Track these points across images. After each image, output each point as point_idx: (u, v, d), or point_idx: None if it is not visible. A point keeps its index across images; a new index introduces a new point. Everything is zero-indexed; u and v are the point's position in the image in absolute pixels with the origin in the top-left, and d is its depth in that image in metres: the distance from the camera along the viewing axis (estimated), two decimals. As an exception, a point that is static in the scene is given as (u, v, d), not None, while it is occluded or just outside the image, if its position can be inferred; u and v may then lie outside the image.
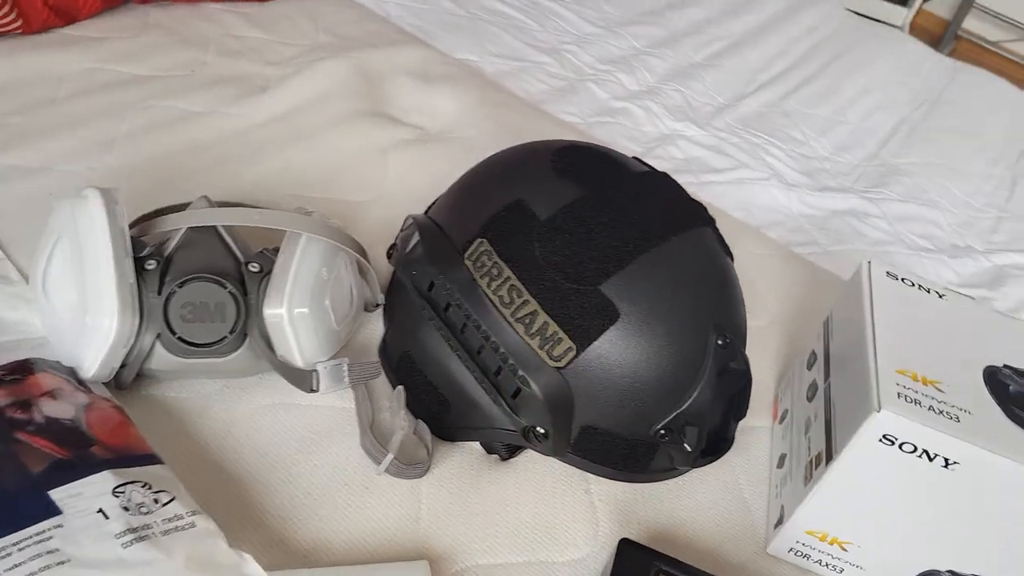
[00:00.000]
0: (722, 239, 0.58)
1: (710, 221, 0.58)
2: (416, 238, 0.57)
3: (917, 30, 1.55)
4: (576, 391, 0.51)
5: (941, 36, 1.65)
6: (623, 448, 0.53)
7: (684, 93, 1.04)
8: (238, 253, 0.55)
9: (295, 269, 0.53)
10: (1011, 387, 0.50)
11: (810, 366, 0.60)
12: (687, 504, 0.57)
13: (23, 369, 0.49)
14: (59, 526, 0.41)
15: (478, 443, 0.56)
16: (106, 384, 0.51)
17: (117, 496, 0.43)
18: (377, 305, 0.62)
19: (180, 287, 0.51)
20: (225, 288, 0.52)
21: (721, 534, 0.55)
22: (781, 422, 0.62)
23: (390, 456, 0.51)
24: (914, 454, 0.46)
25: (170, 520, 0.43)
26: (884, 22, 1.40)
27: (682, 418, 0.52)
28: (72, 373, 0.50)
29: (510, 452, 0.55)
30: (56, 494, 0.42)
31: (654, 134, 0.96)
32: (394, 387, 0.56)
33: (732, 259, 0.58)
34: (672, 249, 0.53)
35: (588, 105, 0.97)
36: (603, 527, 0.53)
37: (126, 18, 0.86)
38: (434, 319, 0.54)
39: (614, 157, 0.58)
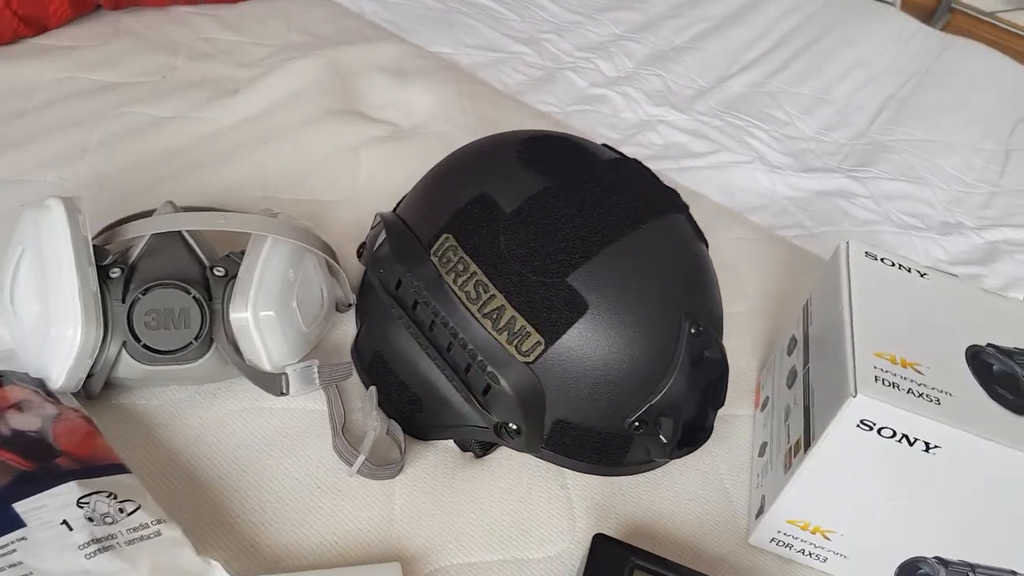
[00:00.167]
0: (696, 225, 0.57)
1: (683, 208, 0.57)
2: (383, 236, 0.56)
3: (909, 5, 1.53)
4: (547, 385, 0.50)
5: (934, 9, 1.63)
6: (597, 441, 0.52)
7: (664, 78, 1.03)
8: (203, 258, 0.54)
9: (260, 272, 0.52)
10: (995, 366, 0.49)
11: (790, 351, 0.59)
12: (667, 496, 0.56)
13: (-10, 382, 0.49)
14: (23, 539, 0.41)
15: (452, 441, 0.55)
16: (75, 394, 0.51)
17: (82, 507, 0.42)
18: (349, 305, 0.61)
19: (144, 294, 0.50)
20: (189, 294, 0.51)
21: (701, 526, 0.55)
22: (763, 410, 0.61)
23: (361, 458, 0.50)
24: (893, 439, 0.46)
25: (135, 529, 0.43)
26: (874, -2, 1.38)
27: (656, 409, 0.51)
28: (41, 384, 0.50)
29: (484, 449, 0.54)
30: (20, 507, 0.42)
31: (633, 120, 0.95)
32: (367, 387, 0.55)
33: (707, 246, 0.57)
34: (641, 237, 0.52)
35: (566, 94, 0.96)
36: (580, 522, 0.53)
37: (97, 25, 0.86)
38: (403, 318, 0.53)
39: (582, 145, 0.57)
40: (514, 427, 0.51)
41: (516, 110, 0.89)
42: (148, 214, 0.58)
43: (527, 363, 0.49)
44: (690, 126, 0.95)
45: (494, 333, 0.50)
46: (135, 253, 0.53)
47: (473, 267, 0.50)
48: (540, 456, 0.54)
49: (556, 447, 0.53)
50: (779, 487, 0.51)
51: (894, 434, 0.45)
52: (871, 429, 0.45)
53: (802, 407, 0.52)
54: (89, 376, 0.51)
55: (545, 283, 0.49)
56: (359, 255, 0.63)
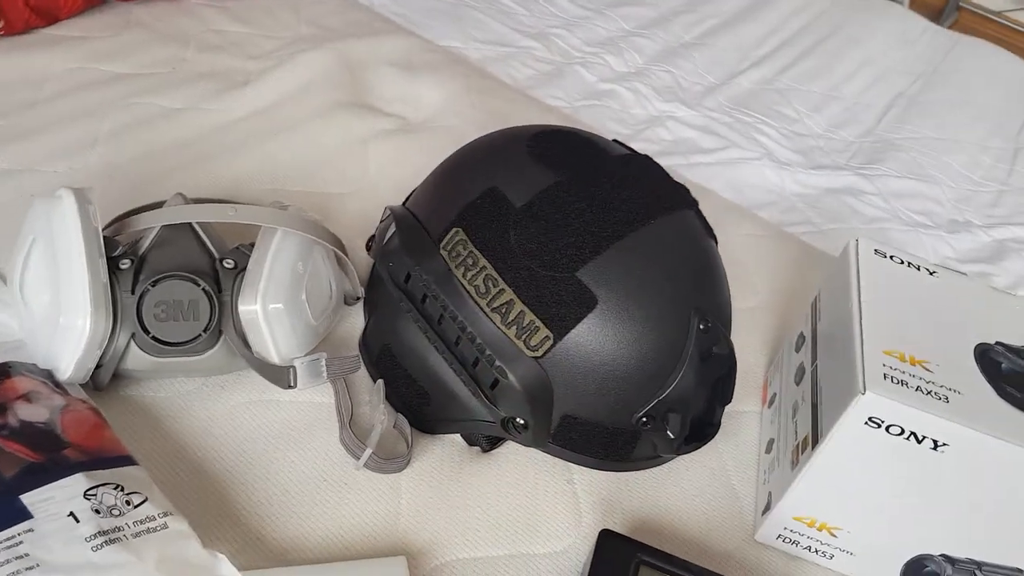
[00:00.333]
0: (705, 222, 0.57)
1: (693, 203, 0.56)
2: (393, 229, 0.56)
3: (917, 3, 1.52)
4: (555, 380, 0.50)
5: (942, 8, 1.62)
6: (604, 437, 0.52)
7: (674, 74, 1.03)
8: (213, 250, 0.54)
9: (269, 264, 0.52)
10: (1004, 365, 0.49)
11: (798, 348, 0.59)
12: (673, 492, 0.56)
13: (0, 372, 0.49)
14: (30, 531, 0.41)
15: (459, 435, 0.55)
16: (83, 386, 0.51)
17: (89, 499, 0.42)
18: (358, 298, 0.61)
19: (153, 286, 0.51)
20: (198, 286, 0.51)
21: (708, 522, 0.55)
22: (770, 406, 0.61)
23: (368, 451, 0.50)
24: (902, 436, 0.45)
25: (142, 522, 0.43)
26: (883, -5, 1.38)
27: (664, 405, 0.51)
28: (49, 375, 0.50)
29: (491, 444, 0.54)
30: (28, 498, 0.42)
31: (642, 116, 0.95)
32: (374, 381, 0.55)
33: (716, 242, 0.57)
34: (651, 233, 0.52)
35: (575, 89, 0.96)
36: (586, 518, 0.53)
37: (108, 16, 0.86)
38: (411, 311, 0.53)
39: (592, 141, 0.57)
40: (521, 422, 0.51)
41: (525, 105, 0.88)
42: (158, 205, 0.58)
43: (535, 358, 0.49)
44: (699, 122, 0.95)
45: (503, 327, 0.50)
46: (145, 244, 0.53)
47: (483, 261, 0.50)
48: (547, 451, 0.54)
49: (563, 442, 0.53)
50: (786, 484, 0.51)
51: (902, 432, 0.45)
52: (879, 426, 0.45)
53: (810, 404, 0.52)
54: (97, 367, 0.51)
55: (554, 278, 0.49)
56: (368, 248, 0.63)
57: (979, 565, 0.50)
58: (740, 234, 0.79)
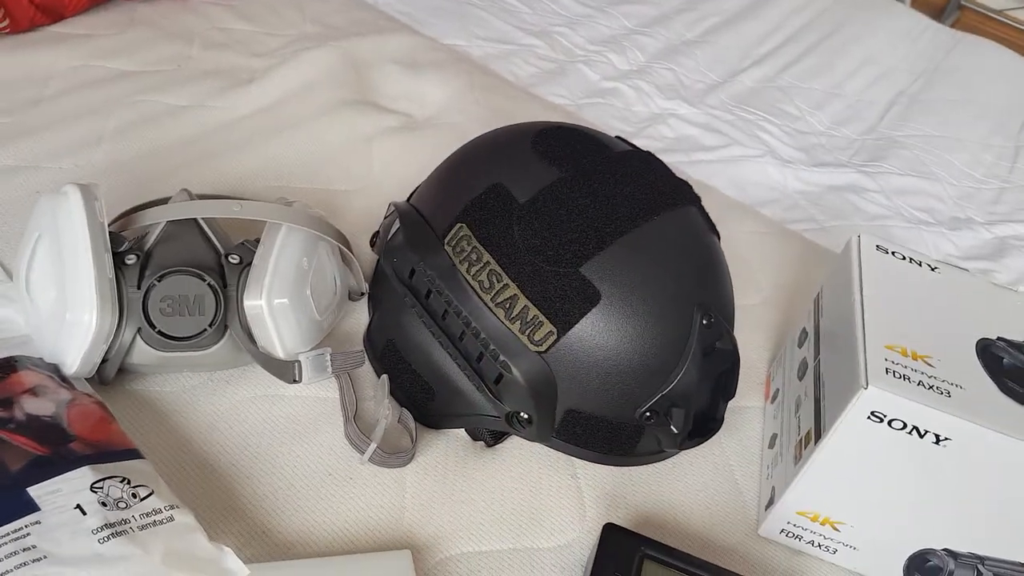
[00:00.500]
0: (708, 218, 0.57)
1: (695, 200, 0.57)
2: (397, 225, 0.57)
3: (919, 2, 1.52)
4: (559, 375, 0.50)
5: (944, 7, 1.62)
6: (608, 431, 0.53)
7: (676, 71, 1.03)
8: (218, 245, 0.54)
9: (275, 259, 0.53)
10: (1005, 360, 0.49)
11: (801, 344, 0.59)
12: (677, 487, 0.56)
13: (6, 367, 0.49)
14: (37, 523, 0.41)
15: (463, 430, 0.55)
16: (89, 380, 0.51)
17: (95, 492, 0.43)
18: (362, 294, 0.62)
19: (159, 281, 0.51)
20: (204, 281, 0.51)
21: (711, 517, 0.55)
22: (773, 402, 0.61)
23: (373, 445, 0.50)
24: (904, 431, 0.46)
25: (148, 515, 0.43)
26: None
27: (667, 399, 0.51)
28: (55, 370, 0.50)
29: (496, 438, 0.55)
30: (34, 491, 0.42)
31: (645, 114, 0.95)
32: (379, 376, 0.55)
33: (719, 238, 0.57)
34: (654, 229, 0.52)
35: (578, 87, 0.96)
36: (590, 512, 0.53)
37: (113, 14, 0.86)
38: (416, 306, 0.53)
39: (595, 137, 0.57)
40: (525, 416, 0.51)
41: (528, 102, 0.89)
42: (164, 201, 0.59)
43: (539, 352, 0.50)
44: (701, 120, 0.95)
45: (507, 322, 0.50)
46: (151, 240, 0.53)
47: (487, 256, 0.51)
48: (551, 445, 0.54)
49: (567, 437, 0.53)
50: (789, 478, 0.51)
51: (904, 426, 0.45)
52: (882, 421, 0.46)
53: (813, 399, 0.52)
54: (103, 362, 0.51)
55: (558, 273, 0.50)
56: (372, 244, 0.63)
57: (982, 559, 0.50)
58: (743, 231, 0.79)
